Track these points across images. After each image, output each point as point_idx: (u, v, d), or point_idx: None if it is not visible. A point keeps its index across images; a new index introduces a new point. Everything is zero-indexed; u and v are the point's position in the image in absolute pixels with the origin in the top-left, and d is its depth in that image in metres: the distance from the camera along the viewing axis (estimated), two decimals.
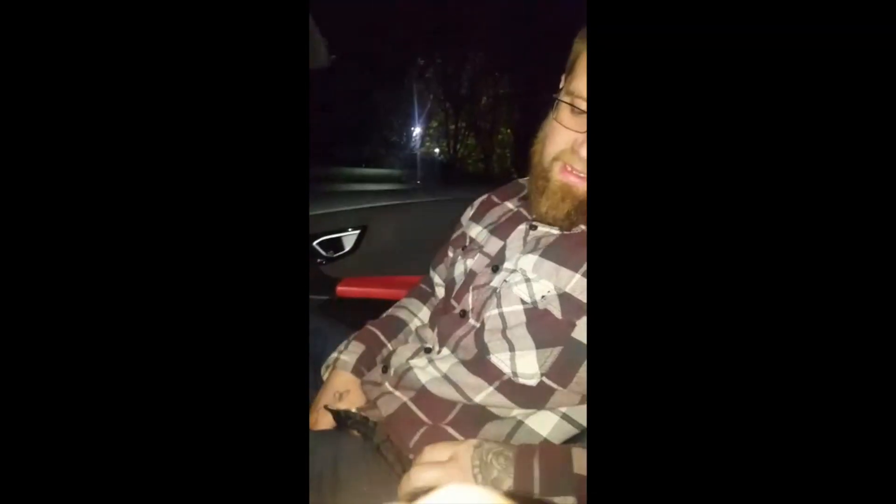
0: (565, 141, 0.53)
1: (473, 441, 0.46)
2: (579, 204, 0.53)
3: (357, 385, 0.63)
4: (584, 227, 0.55)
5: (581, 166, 0.52)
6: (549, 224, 0.56)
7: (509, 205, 0.65)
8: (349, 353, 0.66)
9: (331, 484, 0.48)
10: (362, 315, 0.75)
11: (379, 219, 1.19)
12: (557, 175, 0.54)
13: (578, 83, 0.50)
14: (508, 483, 0.42)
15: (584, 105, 0.51)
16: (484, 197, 0.73)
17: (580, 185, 0.52)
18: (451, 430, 0.52)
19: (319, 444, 0.51)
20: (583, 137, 0.51)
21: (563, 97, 0.53)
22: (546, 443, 0.45)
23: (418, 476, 0.43)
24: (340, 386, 0.63)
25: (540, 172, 0.56)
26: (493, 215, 0.65)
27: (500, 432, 0.51)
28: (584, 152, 0.51)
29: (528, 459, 0.44)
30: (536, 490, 0.42)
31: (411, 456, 0.50)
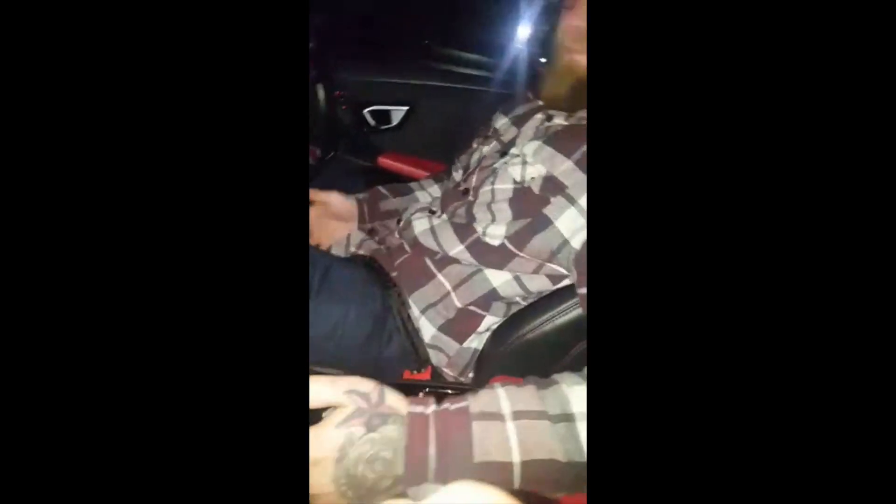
0: (566, 23, 0.54)
1: (333, 441, 0.32)
2: (578, 85, 0.54)
3: (349, 204, 0.79)
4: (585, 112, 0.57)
5: (574, 42, 0.53)
6: (554, 106, 0.59)
7: (539, 101, 0.66)
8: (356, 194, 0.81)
9: (317, 288, 0.58)
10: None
11: (429, 99, 1.20)
12: (561, 57, 0.55)
13: None
14: (389, 482, 0.32)
15: None
16: (520, 93, 0.75)
17: (580, 62, 0.54)
18: (427, 261, 0.62)
19: (315, 257, 0.62)
20: (573, 12, 0.52)
21: None
22: (439, 421, 0.33)
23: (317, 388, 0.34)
24: (337, 204, 0.79)
25: (553, 59, 0.58)
26: (521, 108, 0.68)
27: (462, 272, 0.60)
28: (573, 23, 0.52)
29: (420, 452, 0.32)
30: (431, 479, 0.31)
31: (394, 273, 0.63)
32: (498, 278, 0.59)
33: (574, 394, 0.34)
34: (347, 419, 0.31)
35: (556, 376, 0.41)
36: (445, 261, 0.61)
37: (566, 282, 0.58)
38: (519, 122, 0.65)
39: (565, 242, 0.53)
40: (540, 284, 0.58)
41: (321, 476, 0.31)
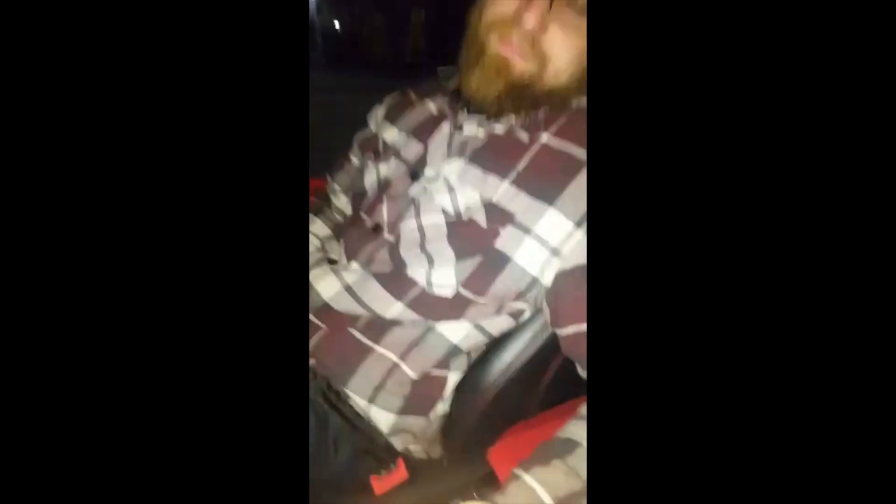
0: (508, 7, 0.43)
1: None
2: (512, 86, 0.45)
3: None
4: (513, 120, 0.48)
5: (521, 41, 0.43)
6: (476, 107, 0.48)
7: (431, 105, 0.55)
8: None
9: None
10: None
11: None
12: (494, 46, 0.45)
13: None
14: None
15: None
16: (397, 94, 0.61)
17: (517, 63, 0.44)
18: (356, 334, 0.49)
19: None
20: (529, 5, 0.42)
21: None
22: None
23: None
24: None
25: (473, 42, 0.47)
26: (411, 116, 0.55)
27: (409, 335, 0.49)
28: (530, 23, 0.42)
29: None
30: None
31: (311, 361, 0.49)
32: (457, 332, 0.49)
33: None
34: None
35: (567, 433, 0.37)
36: (379, 325, 0.49)
37: (527, 314, 0.51)
38: (420, 133, 0.52)
39: (534, 282, 0.45)
40: (502, 325, 0.50)
41: None
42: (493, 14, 0.45)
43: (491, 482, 0.45)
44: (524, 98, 0.46)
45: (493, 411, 0.52)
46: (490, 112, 0.48)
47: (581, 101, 0.49)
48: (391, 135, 0.56)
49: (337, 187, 0.66)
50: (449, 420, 0.53)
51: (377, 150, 0.56)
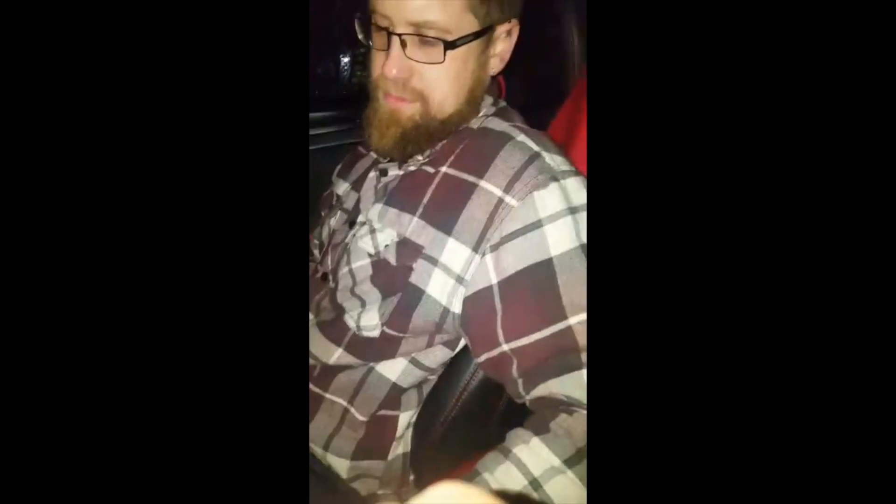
0: (379, 65, 0.47)
1: None
2: (406, 131, 0.48)
3: None
4: (421, 157, 0.50)
5: (397, 90, 0.46)
6: (385, 157, 0.51)
7: (371, 156, 0.59)
8: None
9: None
10: None
11: None
12: (382, 102, 0.48)
13: (377, 1, 0.45)
14: None
15: (382, 21, 0.45)
16: (351, 149, 0.66)
17: (404, 110, 0.47)
18: (312, 387, 0.51)
19: None
20: (388, 57, 0.45)
21: (365, 15, 0.47)
22: None
23: None
24: None
25: (370, 102, 0.51)
26: (358, 168, 0.60)
27: (352, 379, 0.51)
28: (393, 72, 0.45)
29: None
30: None
31: None
32: (394, 370, 0.50)
33: (499, 477, 0.36)
34: None
35: (479, 465, 0.40)
36: (326, 373, 0.51)
37: (462, 342, 0.51)
38: (357, 184, 0.57)
39: (446, 311, 0.46)
40: (439, 356, 0.51)
41: None
42: (373, 74, 0.49)
43: None
44: (421, 137, 0.49)
45: (449, 445, 0.51)
46: (397, 158, 0.51)
47: (475, 123, 0.50)
48: (341, 188, 0.60)
49: (315, 241, 0.71)
50: (413, 458, 0.53)
51: (332, 205, 0.61)
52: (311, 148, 1.07)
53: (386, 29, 0.45)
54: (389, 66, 0.45)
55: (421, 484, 0.54)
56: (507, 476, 0.35)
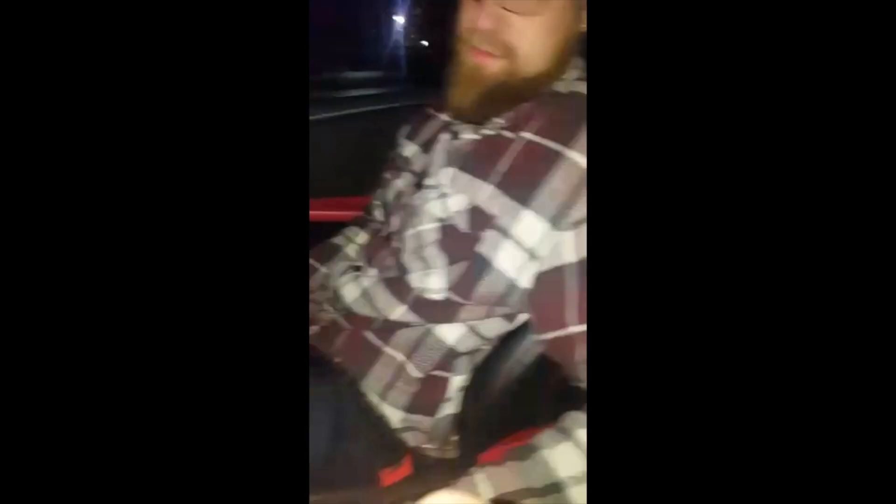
0: (470, 18, 0.46)
1: None
2: (489, 89, 0.46)
3: None
4: (502, 121, 0.49)
5: (487, 44, 0.45)
6: (462, 118, 0.50)
7: (443, 116, 0.58)
8: None
9: None
10: (318, 238, 0.72)
11: (326, 134, 1.10)
12: (467, 57, 0.47)
13: None
14: None
15: None
16: (422, 109, 0.66)
17: (489, 65, 0.46)
18: (369, 336, 0.53)
19: None
20: (482, 8, 0.44)
21: None
22: None
23: None
24: None
25: (453, 60, 0.49)
26: (427, 130, 0.60)
27: (411, 337, 0.52)
28: (486, 23, 0.43)
29: None
30: None
31: (336, 359, 0.54)
32: (452, 334, 0.51)
33: (557, 456, 0.35)
34: None
35: (535, 440, 0.39)
36: (388, 328, 0.53)
37: (522, 317, 0.51)
38: (427, 145, 0.57)
39: (513, 285, 0.46)
40: (497, 327, 0.52)
41: None
42: (461, 30, 0.47)
43: None
44: (504, 97, 0.47)
45: (498, 416, 0.52)
46: (476, 120, 0.50)
47: (562, 86, 0.48)
48: (408, 150, 0.61)
49: (377, 202, 0.73)
50: (461, 420, 0.55)
51: (399, 166, 0.61)
52: (363, 109, 1.08)
53: None
54: (482, 17, 0.43)
55: (463, 445, 0.56)
56: (565, 457, 0.35)
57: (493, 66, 0.46)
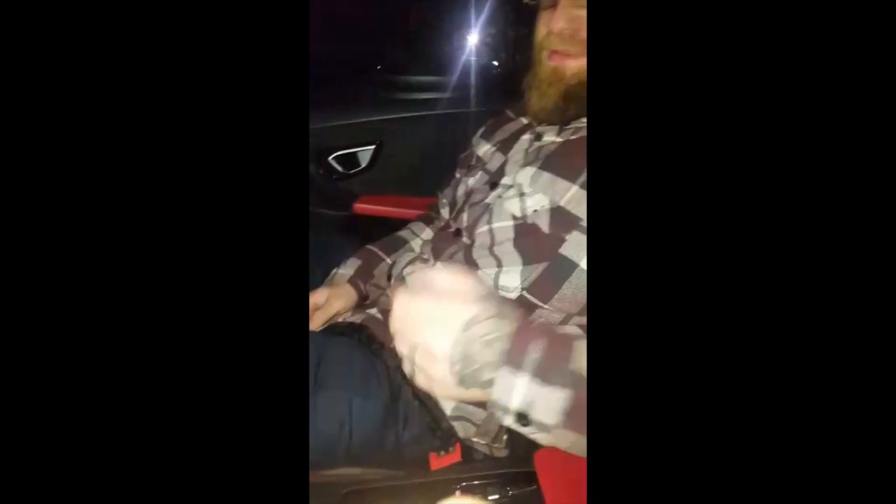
0: (545, 23, 0.47)
1: (460, 314, 0.33)
2: (569, 90, 0.48)
3: (347, 293, 0.65)
4: (584, 121, 0.49)
5: (563, 44, 0.46)
6: (544, 121, 0.51)
7: (522, 119, 0.59)
8: (346, 267, 0.69)
9: (311, 381, 0.50)
10: (382, 233, 0.75)
11: (397, 133, 1.14)
12: (545, 62, 0.49)
13: None
14: (491, 373, 0.33)
15: None
16: (498, 114, 0.67)
17: (568, 65, 0.47)
18: None
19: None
20: (555, 10, 0.45)
21: None
22: (545, 327, 0.35)
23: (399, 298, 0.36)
24: (333, 293, 0.64)
25: (533, 67, 0.51)
26: (504, 131, 0.61)
27: None
28: (558, 25, 0.45)
29: (522, 346, 0.33)
30: (529, 375, 0.32)
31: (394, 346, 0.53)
32: None
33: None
34: (481, 298, 0.33)
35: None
36: None
37: None
38: (504, 146, 0.58)
39: None
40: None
41: (445, 340, 0.32)
42: (538, 36, 0.49)
43: (530, 482, 0.45)
44: (585, 96, 0.47)
45: None
46: (559, 122, 0.50)
47: None
48: (483, 149, 0.62)
49: (444, 200, 0.74)
50: None
51: (470, 165, 0.63)
52: (430, 112, 1.11)
53: None
54: (555, 18, 0.44)
55: (512, 444, 0.55)
56: None
57: (573, 66, 0.47)
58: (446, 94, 1.22)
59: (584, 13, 0.44)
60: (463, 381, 0.33)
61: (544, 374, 0.31)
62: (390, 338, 0.55)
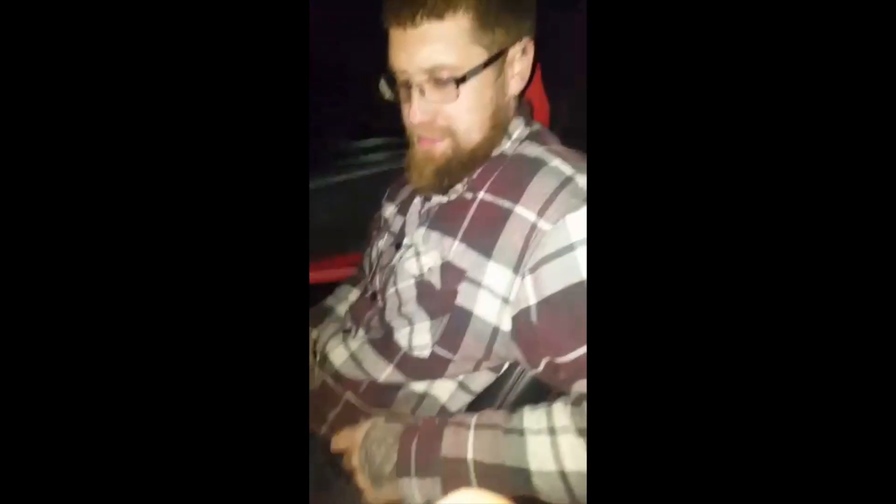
0: (407, 116, 0.51)
1: (365, 426, 0.49)
2: (440, 167, 0.51)
3: None
4: (460, 186, 0.53)
5: (426, 132, 0.50)
6: (426, 193, 0.55)
7: None
8: None
9: None
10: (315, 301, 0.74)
11: (323, 198, 1.14)
12: (417, 146, 0.53)
13: (393, 58, 0.49)
14: (390, 468, 0.45)
15: (402, 76, 0.49)
16: (401, 173, 0.70)
17: (436, 148, 0.51)
18: (352, 399, 0.54)
19: None
20: (410, 106, 0.49)
21: (388, 74, 0.51)
22: (425, 423, 0.47)
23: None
24: None
25: (409, 148, 0.55)
26: (404, 192, 0.64)
27: (409, 399, 0.53)
28: (417, 118, 0.49)
29: (408, 445, 0.46)
30: (413, 472, 0.44)
31: (322, 429, 0.55)
32: (444, 391, 0.52)
33: (526, 414, 0.45)
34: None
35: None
36: (373, 389, 0.53)
37: (505, 365, 0.52)
38: (403, 207, 0.61)
39: (496, 330, 0.48)
40: (484, 381, 0.52)
41: (354, 453, 0.48)
42: (406, 125, 0.52)
43: None
44: (455, 169, 0.52)
45: None
46: (437, 192, 0.54)
47: (509, 148, 0.52)
48: (388, 211, 0.64)
49: (365, 259, 0.75)
50: None
51: (379, 227, 0.64)
52: (363, 174, 1.13)
53: (406, 82, 0.48)
54: (413, 113, 0.48)
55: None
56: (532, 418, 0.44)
57: (439, 148, 0.50)
58: (380, 157, 1.24)
59: (435, 105, 0.48)
60: (375, 481, 0.45)
61: (419, 468, 0.44)
62: (321, 422, 0.54)
